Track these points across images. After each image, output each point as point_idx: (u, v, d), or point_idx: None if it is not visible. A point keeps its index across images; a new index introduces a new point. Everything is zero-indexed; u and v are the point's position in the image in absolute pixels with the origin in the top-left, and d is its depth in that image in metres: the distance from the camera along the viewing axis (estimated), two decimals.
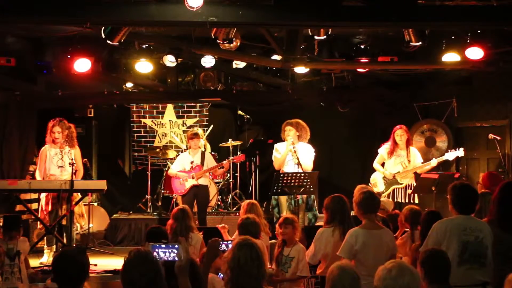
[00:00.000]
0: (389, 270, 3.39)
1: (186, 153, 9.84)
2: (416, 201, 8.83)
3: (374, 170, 9.28)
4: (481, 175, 8.10)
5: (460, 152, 9.17)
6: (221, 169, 9.96)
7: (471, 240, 4.82)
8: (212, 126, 12.20)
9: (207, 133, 11.83)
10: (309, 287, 6.24)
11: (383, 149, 9.17)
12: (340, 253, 5.30)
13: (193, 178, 9.51)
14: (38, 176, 8.68)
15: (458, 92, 10.70)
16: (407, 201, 8.82)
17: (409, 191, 8.94)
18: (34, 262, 8.34)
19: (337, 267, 3.76)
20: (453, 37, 9.14)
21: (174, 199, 10.75)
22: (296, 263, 5.96)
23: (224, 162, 9.92)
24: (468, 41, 8.71)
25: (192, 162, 9.56)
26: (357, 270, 5.15)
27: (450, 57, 9.08)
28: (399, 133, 9.02)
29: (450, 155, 9.19)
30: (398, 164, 9.03)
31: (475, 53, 8.66)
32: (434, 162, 9.07)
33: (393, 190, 8.98)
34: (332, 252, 5.63)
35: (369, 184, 8.96)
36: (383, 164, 9.18)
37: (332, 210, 5.87)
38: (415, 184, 8.89)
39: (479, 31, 8.57)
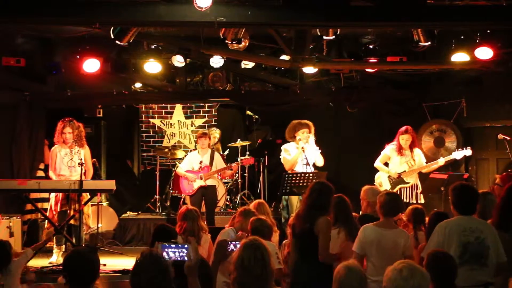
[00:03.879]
0: (399, 270, 3.38)
1: (195, 152, 9.85)
2: (422, 201, 8.82)
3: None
4: (497, 177, 8.02)
5: (468, 152, 9.16)
6: (230, 171, 9.98)
7: (471, 241, 4.82)
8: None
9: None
10: None
11: (389, 149, 9.13)
12: (354, 247, 5.30)
13: (201, 178, 9.52)
14: (53, 177, 8.71)
15: (467, 92, 10.66)
16: (414, 201, 8.81)
17: (418, 191, 8.93)
18: (43, 262, 8.40)
19: (344, 267, 3.76)
20: (462, 37, 9.11)
21: (183, 199, 10.77)
22: None
23: (233, 164, 9.94)
24: (477, 41, 8.68)
25: (201, 162, 9.57)
26: (368, 268, 5.20)
27: (460, 57, 9.05)
28: (405, 138, 8.98)
29: (458, 154, 9.18)
30: (403, 164, 9.00)
31: (484, 53, 8.63)
32: (441, 161, 9.06)
33: (400, 190, 8.96)
34: (339, 253, 5.63)
35: (374, 183, 8.93)
36: (386, 164, 9.15)
37: (334, 211, 5.84)
38: (419, 183, 8.92)
39: (488, 31, 8.54)
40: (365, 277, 3.80)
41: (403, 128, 9.02)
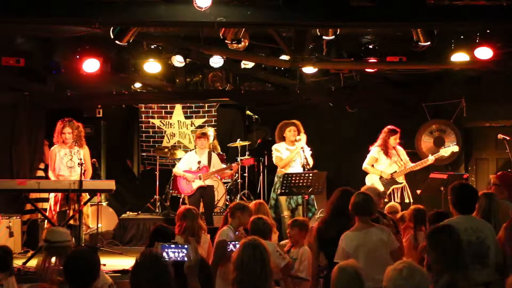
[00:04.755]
0: (399, 270, 3.37)
1: (193, 153, 9.85)
2: (411, 200, 8.86)
3: None
4: (492, 177, 8.02)
5: (455, 148, 9.36)
6: (230, 171, 9.97)
7: (473, 240, 4.82)
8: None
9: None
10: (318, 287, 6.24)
11: (375, 151, 9.13)
12: (336, 259, 5.25)
13: (200, 179, 9.52)
14: (52, 177, 8.71)
15: (467, 92, 10.67)
16: (407, 200, 8.84)
17: (418, 191, 8.95)
18: None
19: (338, 268, 3.75)
20: (462, 37, 9.11)
21: (182, 199, 10.77)
22: (298, 264, 5.99)
23: (233, 164, 9.93)
24: (477, 41, 8.68)
25: (199, 162, 9.57)
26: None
27: (459, 57, 9.05)
28: (397, 137, 9.01)
29: (446, 151, 9.33)
30: (393, 164, 9.02)
31: (484, 53, 8.63)
32: (431, 159, 9.12)
33: (393, 190, 8.97)
34: None
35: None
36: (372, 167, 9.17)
37: None
38: (406, 183, 9.00)
39: (488, 31, 8.54)
40: (359, 275, 3.73)
41: (390, 127, 9.08)
